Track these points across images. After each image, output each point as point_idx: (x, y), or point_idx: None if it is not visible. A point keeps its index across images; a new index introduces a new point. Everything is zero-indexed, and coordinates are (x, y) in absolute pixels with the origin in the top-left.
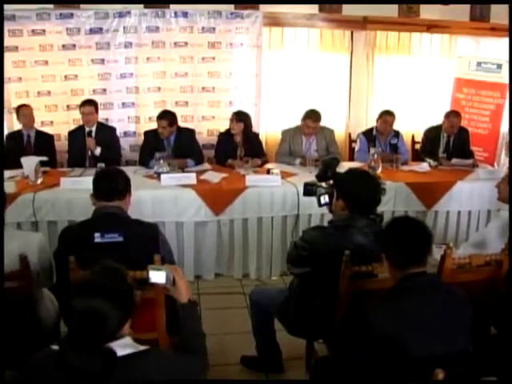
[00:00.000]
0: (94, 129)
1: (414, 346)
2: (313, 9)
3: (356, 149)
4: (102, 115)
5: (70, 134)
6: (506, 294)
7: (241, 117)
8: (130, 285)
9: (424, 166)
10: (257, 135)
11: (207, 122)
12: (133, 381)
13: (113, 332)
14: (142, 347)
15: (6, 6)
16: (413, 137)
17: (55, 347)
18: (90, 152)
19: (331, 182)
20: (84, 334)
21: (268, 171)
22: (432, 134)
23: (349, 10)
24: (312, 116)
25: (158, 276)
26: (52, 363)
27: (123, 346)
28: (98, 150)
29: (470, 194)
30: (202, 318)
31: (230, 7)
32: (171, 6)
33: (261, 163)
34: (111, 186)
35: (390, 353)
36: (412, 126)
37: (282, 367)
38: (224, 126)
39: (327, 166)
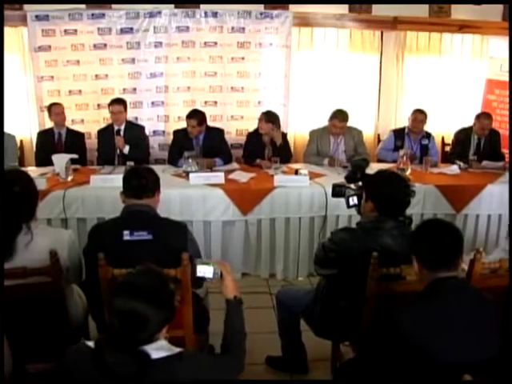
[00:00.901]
0: (122, 127)
1: (442, 351)
2: (342, 9)
3: (380, 145)
4: (131, 114)
5: (100, 132)
6: None
7: (270, 117)
8: (172, 290)
9: (454, 169)
10: (284, 135)
11: (236, 121)
12: (166, 383)
13: (150, 335)
14: (177, 349)
15: (39, 6)
16: (443, 139)
17: (90, 343)
18: (118, 150)
19: (360, 183)
20: (122, 334)
21: (296, 172)
22: (462, 135)
23: (379, 10)
24: (339, 116)
25: (205, 270)
26: (88, 360)
27: (158, 349)
28: (126, 149)
29: (500, 198)
30: None
31: (260, 7)
32: (201, 6)
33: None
34: (141, 183)
35: (417, 357)
36: (442, 128)
37: (306, 368)
38: (253, 125)
39: (356, 167)
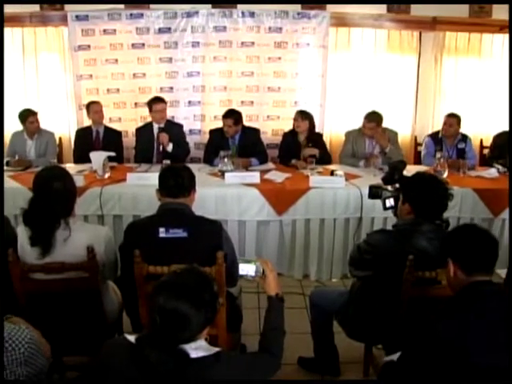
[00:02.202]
0: (162, 126)
1: (477, 356)
2: (381, 9)
3: (422, 152)
4: (168, 113)
5: (138, 130)
6: None
7: (306, 115)
8: (216, 292)
9: (492, 172)
10: (320, 136)
11: (272, 121)
12: (203, 383)
13: (191, 335)
14: (215, 349)
15: (79, 7)
16: (481, 141)
17: (131, 338)
18: (161, 148)
19: (397, 185)
20: (163, 332)
21: (332, 173)
22: (502, 139)
23: (417, 10)
24: (368, 116)
25: (248, 269)
26: (127, 355)
27: (197, 349)
28: (170, 147)
29: None
30: (261, 317)
31: (297, 7)
32: (238, 6)
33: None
34: (177, 183)
35: (453, 361)
36: (481, 131)
37: (338, 370)
38: (288, 125)
39: (394, 168)
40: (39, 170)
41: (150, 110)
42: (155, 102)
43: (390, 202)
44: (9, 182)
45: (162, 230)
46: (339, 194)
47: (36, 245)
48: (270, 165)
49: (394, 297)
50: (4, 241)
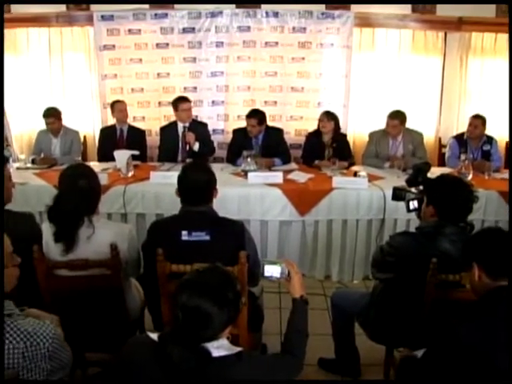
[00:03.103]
0: (187, 125)
1: (502, 361)
2: (405, 9)
3: (447, 154)
4: (192, 112)
5: (163, 129)
6: None
7: (331, 116)
8: (239, 291)
9: None
10: (344, 136)
11: (295, 121)
12: (224, 382)
13: (213, 334)
14: (236, 349)
15: (105, 7)
16: (507, 144)
17: (154, 336)
18: (188, 147)
19: (421, 187)
20: (186, 330)
21: (355, 173)
22: None
23: (443, 10)
24: (392, 114)
25: (273, 270)
26: (150, 352)
27: (219, 347)
28: (196, 146)
29: None
30: (282, 317)
31: (321, 7)
32: (262, 6)
33: (347, 165)
34: (196, 196)
35: (475, 365)
36: (507, 133)
37: (359, 372)
38: (312, 126)
39: (418, 170)
40: (65, 168)
41: (176, 110)
42: (181, 102)
43: (413, 204)
44: (34, 180)
45: (184, 232)
46: (362, 195)
47: (59, 241)
48: (293, 165)
49: (417, 300)
50: (29, 238)
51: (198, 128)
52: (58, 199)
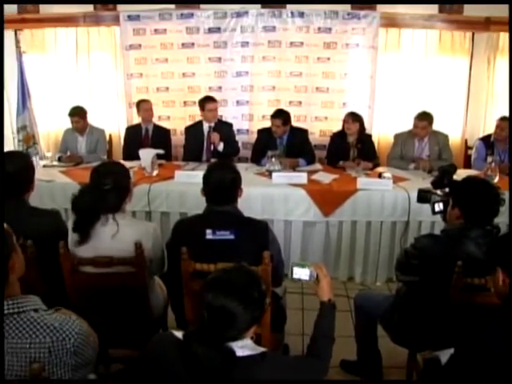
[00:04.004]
0: (212, 125)
1: None
2: (432, 9)
3: (473, 156)
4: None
5: (188, 129)
6: None
7: (357, 117)
8: (264, 292)
9: None
10: (370, 137)
11: (320, 122)
12: (248, 382)
13: (238, 333)
14: (260, 349)
15: (130, 7)
16: None
17: (178, 334)
18: (212, 147)
19: (447, 189)
20: (211, 329)
21: (380, 175)
22: None
23: (470, 10)
24: (420, 116)
25: (301, 273)
26: (174, 350)
27: (243, 347)
28: (221, 146)
29: None
30: (305, 318)
31: (347, 7)
32: (288, 6)
33: (372, 166)
34: (221, 196)
35: (499, 371)
36: None
37: (381, 374)
38: (337, 126)
39: (444, 172)
40: (99, 164)
41: (202, 109)
42: (208, 101)
43: (439, 207)
44: (60, 177)
45: (208, 231)
46: (387, 197)
47: (76, 231)
48: (318, 165)
49: (441, 303)
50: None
51: (223, 128)
52: (80, 193)
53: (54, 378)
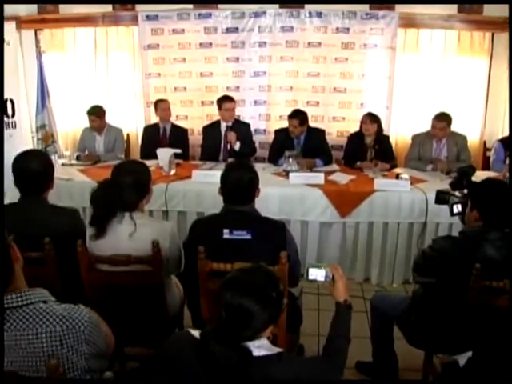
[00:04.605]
0: (230, 124)
1: None
2: (451, 9)
3: (492, 158)
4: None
5: (205, 128)
6: None
7: (375, 118)
8: (281, 292)
9: None
10: (387, 138)
11: (337, 122)
12: (264, 381)
13: (255, 333)
14: (277, 349)
15: (149, 7)
16: None
17: (195, 333)
18: (229, 146)
19: (466, 191)
20: (228, 328)
21: (397, 176)
22: None
23: (490, 10)
24: (439, 116)
25: (317, 273)
26: (191, 349)
27: (259, 347)
28: (237, 145)
29: None
30: (320, 319)
31: (365, 7)
32: (306, 6)
33: (390, 167)
34: (240, 196)
35: None
36: None
37: (396, 376)
38: (354, 127)
39: (463, 174)
40: (121, 161)
41: (220, 109)
42: (225, 101)
43: (457, 208)
44: (78, 176)
45: (226, 231)
46: (404, 198)
47: (92, 225)
48: (335, 166)
49: (459, 305)
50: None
51: (241, 128)
52: (99, 187)
53: (68, 367)
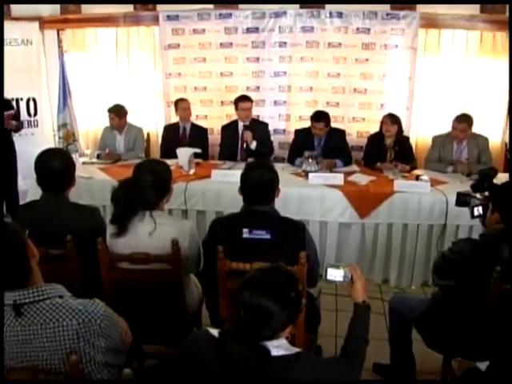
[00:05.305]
0: (247, 124)
1: None
2: (473, 9)
3: None
4: (254, 112)
5: (224, 128)
6: None
7: (395, 119)
8: (300, 292)
9: None
10: (407, 139)
11: (357, 123)
12: (281, 381)
13: (274, 333)
14: (295, 350)
15: (170, 7)
16: None
17: (214, 332)
18: (245, 145)
19: (487, 193)
20: (247, 327)
21: (417, 177)
22: None
23: None
24: (459, 118)
25: (335, 273)
26: (210, 348)
27: (278, 347)
28: (253, 144)
29: None
30: (338, 320)
31: (386, 7)
32: (326, 6)
33: (409, 168)
34: (260, 195)
35: None
36: None
37: (414, 379)
38: (374, 128)
39: (484, 176)
40: (143, 160)
41: (236, 108)
42: (241, 101)
43: (478, 211)
44: (99, 174)
45: (245, 230)
46: (424, 200)
47: (113, 223)
48: (354, 167)
49: (478, 309)
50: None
51: (258, 127)
52: (120, 185)
53: (86, 361)
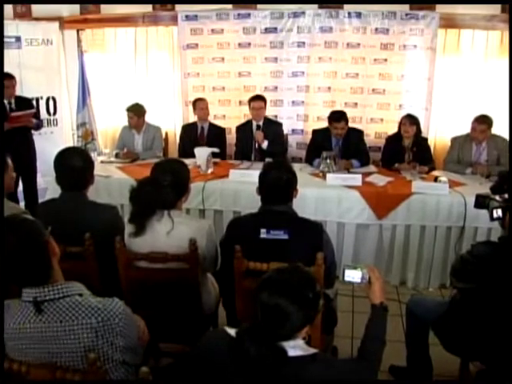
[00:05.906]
0: (261, 123)
1: None
2: (494, 9)
3: None
4: (271, 112)
5: (239, 128)
6: None
7: (414, 120)
8: (318, 293)
9: None
10: (426, 140)
11: (375, 124)
12: (298, 382)
13: (291, 333)
14: (312, 350)
15: (188, 7)
16: None
17: (231, 331)
18: (256, 145)
19: (506, 195)
20: (264, 327)
21: (435, 179)
22: None
23: None
24: (479, 119)
25: (354, 275)
26: (226, 347)
27: (295, 347)
28: (265, 144)
29: None
30: (355, 321)
31: (405, 7)
32: (345, 6)
33: (428, 170)
34: (278, 194)
35: None
36: None
37: (431, 382)
38: (392, 129)
39: (504, 178)
40: (161, 160)
41: (250, 108)
42: (253, 100)
43: (497, 213)
44: (117, 173)
45: (263, 230)
46: (442, 202)
47: (132, 222)
48: (372, 168)
49: (497, 312)
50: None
51: (271, 127)
52: (139, 185)
53: (104, 359)
